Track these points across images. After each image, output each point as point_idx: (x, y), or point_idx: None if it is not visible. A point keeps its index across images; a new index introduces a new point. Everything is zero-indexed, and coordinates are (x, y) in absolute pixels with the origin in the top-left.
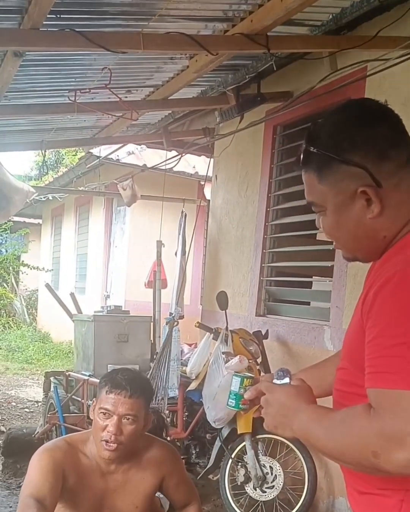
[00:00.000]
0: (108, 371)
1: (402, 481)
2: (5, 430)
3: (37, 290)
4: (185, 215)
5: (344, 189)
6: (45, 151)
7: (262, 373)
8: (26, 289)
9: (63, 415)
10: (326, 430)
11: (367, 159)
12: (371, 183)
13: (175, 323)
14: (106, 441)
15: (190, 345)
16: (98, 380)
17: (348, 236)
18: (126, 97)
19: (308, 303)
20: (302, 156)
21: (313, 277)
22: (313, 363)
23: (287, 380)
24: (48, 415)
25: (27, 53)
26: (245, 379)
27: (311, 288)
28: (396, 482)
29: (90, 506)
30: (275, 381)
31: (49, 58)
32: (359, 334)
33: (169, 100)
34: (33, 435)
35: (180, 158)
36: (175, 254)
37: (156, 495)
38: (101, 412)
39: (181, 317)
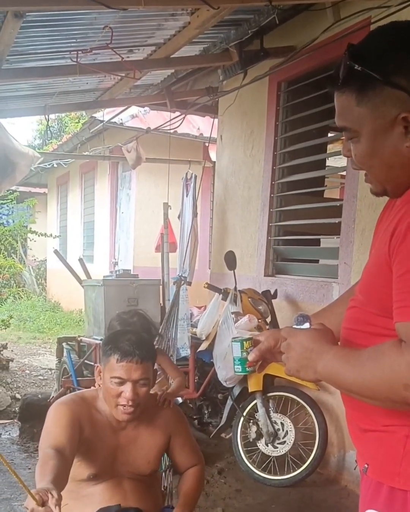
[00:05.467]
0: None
1: (408, 416)
2: (20, 397)
3: (45, 260)
4: (195, 176)
5: (384, 113)
6: (48, 116)
7: None
8: (34, 259)
9: (77, 379)
10: (354, 368)
11: None
12: None
13: (182, 282)
14: (124, 406)
15: (200, 308)
16: None
17: (381, 164)
18: (128, 57)
19: (317, 261)
20: (343, 74)
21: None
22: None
23: (307, 325)
24: (63, 379)
25: (27, 14)
26: (244, 342)
27: (319, 246)
28: (401, 418)
29: (104, 460)
30: (295, 326)
31: (50, 18)
32: (382, 270)
33: (171, 59)
34: (48, 400)
35: (184, 118)
36: (179, 217)
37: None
38: (114, 381)
39: (189, 283)
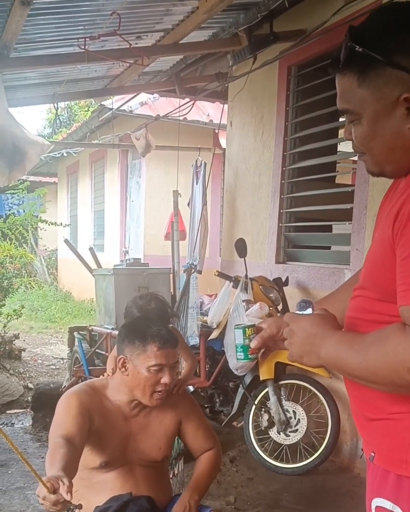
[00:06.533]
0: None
1: None
2: (33, 387)
3: (56, 249)
4: (205, 163)
5: (386, 94)
6: (57, 105)
7: None
8: (45, 249)
9: (89, 368)
10: (357, 353)
11: None
12: None
13: (193, 270)
14: (160, 392)
15: (210, 296)
16: None
17: (382, 146)
18: (136, 43)
19: (328, 248)
20: (344, 55)
21: (332, 222)
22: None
23: (309, 311)
24: (74, 369)
25: (34, 1)
26: (247, 329)
27: (331, 232)
28: (407, 405)
29: (116, 448)
30: (297, 312)
31: (57, 5)
32: (385, 254)
33: (180, 45)
34: (60, 389)
35: (193, 104)
36: (188, 204)
37: None
38: (153, 369)
39: (199, 271)
